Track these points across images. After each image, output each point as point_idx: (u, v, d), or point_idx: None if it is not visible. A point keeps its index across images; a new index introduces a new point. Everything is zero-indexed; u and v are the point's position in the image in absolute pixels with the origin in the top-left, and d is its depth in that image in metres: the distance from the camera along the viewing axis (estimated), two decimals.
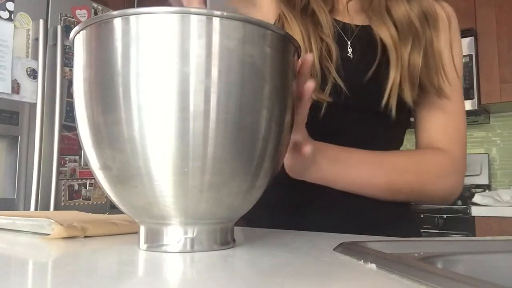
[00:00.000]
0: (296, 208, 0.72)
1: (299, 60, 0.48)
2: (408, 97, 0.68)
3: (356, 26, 0.72)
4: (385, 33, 0.69)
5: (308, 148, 0.53)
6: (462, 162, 0.73)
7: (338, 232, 0.59)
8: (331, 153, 0.63)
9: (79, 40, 0.42)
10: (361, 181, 0.66)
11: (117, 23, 0.39)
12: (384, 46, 0.69)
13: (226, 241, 0.45)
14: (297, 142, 0.53)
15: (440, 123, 0.73)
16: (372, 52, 0.69)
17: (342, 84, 0.66)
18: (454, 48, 0.73)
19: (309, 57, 0.47)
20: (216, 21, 0.38)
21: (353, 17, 0.74)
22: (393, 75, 0.67)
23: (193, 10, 0.38)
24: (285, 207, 0.73)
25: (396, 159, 0.69)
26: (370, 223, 0.68)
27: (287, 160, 0.57)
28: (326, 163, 0.62)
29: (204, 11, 0.38)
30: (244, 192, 0.42)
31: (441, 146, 0.72)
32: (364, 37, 0.71)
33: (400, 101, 0.68)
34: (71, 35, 0.43)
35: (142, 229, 0.44)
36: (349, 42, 0.72)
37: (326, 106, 0.66)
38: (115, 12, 0.39)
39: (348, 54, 0.71)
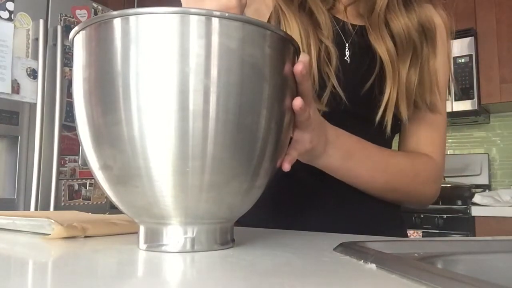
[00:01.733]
0: (291, 209, 0.71)
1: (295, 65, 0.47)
2: (404, 114, 0.68)
3: (353, 26, 0.72)
4: (382, 49, 0.68)
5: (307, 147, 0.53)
6: (443, 170, 0.75)
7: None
8: (344, 147, 0.62)
9: (79, 40, 0.42)
10: (364, 177, 0.66)
11: (117, 23, 0.39)
12: (380, 60, 0.68)
13: (225, 241, 0.45)
14: (303, 140, 0.53)
15: (427, 132, 0.74)
16: (369, 60, 0.69)
17: (341, 93, 0.66)
18: (450, 58, 0.74)
19: (299, 67, 0.45)
20: (215, 21, 0.38)
21: (351, 20, 0.73)
22: (389, 91, 0.67)
23: (192, 10, 0.38)
24: (281, 208, 0.72)
25: (396, 159, 0.70)
26: (361, 226, 0.67)
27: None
28: (337, 156, 0.61)
29: (203, 11, 0.38)
30: (244, 192, 0.42)
31: (426, 153, 0.73)
32: (362, 41, 0.71)
33: (395, 116, 0.68)
34: (71, 35, 0.43)
35: (142, 229, 0.44)
36: (347, 45, 0.71)
37: (323, 112, 0.65)
38: (115, 12, 0.39)
39: (345, 57, 0.70)
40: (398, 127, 0.74)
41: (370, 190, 0.68)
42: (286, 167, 0.48)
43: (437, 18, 0.74)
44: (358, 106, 0.68)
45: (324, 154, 0.59)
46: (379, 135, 0.69)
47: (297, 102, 0.46)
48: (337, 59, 0.67)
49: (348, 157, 0.63)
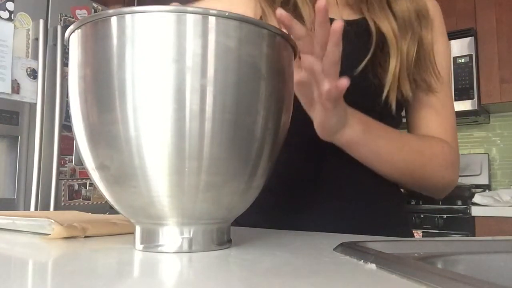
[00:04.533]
0: (292, 209, 0.71)
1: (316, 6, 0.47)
2: (407, 90, 0.68)
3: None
4: (386, 26, 0.68)
5: (344, 82, 0.49)
6: (458, 153, 0.74)
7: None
8: (362, 119, 0.62)
9: (75, 39, 0.42)
10: (384, 155, 0.65)
11: (113, 22, 0.38)
12: (377, 41, 0.69)
13: (222, 241, 0.45)
14: (329, 92, 0.51)
15: (434, 116, 0.73)
16: (362, 47, 0.69)
17: None
18: (436, 44, 0.73)
19: (322, 1, 0.45)
20: (212, 20, 0.38)
21: (342, 11, 0.74)
22: (393, 67, 0.67)
23: (189, 9, 0.38)
24: (281, 207, 0.72)
25: (413, 139, 0.69)
26: (363, 225, 0.67)
27: (318, 116, 0.56)
28: (358, 128, 0.61)
29: (200, 10, 0.38)
30: (241, 192, 0.42)
31: (438, 137, 0.72)
32: (352, 31, 0.70)
33: (397, 97, 0.68)
34: (67, 33, 0.43)
35: (138, 229, 0.44)
36: None
37: None
38: (111, 11, 0.38)
39: None
40: (400, 110, 0.73)
41: (390, 170, 0.67)
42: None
43: (429, 6, 0.75)
44: (353, 94, 0.68)
45: (347, 124, 0.59)
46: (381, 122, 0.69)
47: (322, 1, 0.45)
48: None
49: (367, 130, 0.62)
